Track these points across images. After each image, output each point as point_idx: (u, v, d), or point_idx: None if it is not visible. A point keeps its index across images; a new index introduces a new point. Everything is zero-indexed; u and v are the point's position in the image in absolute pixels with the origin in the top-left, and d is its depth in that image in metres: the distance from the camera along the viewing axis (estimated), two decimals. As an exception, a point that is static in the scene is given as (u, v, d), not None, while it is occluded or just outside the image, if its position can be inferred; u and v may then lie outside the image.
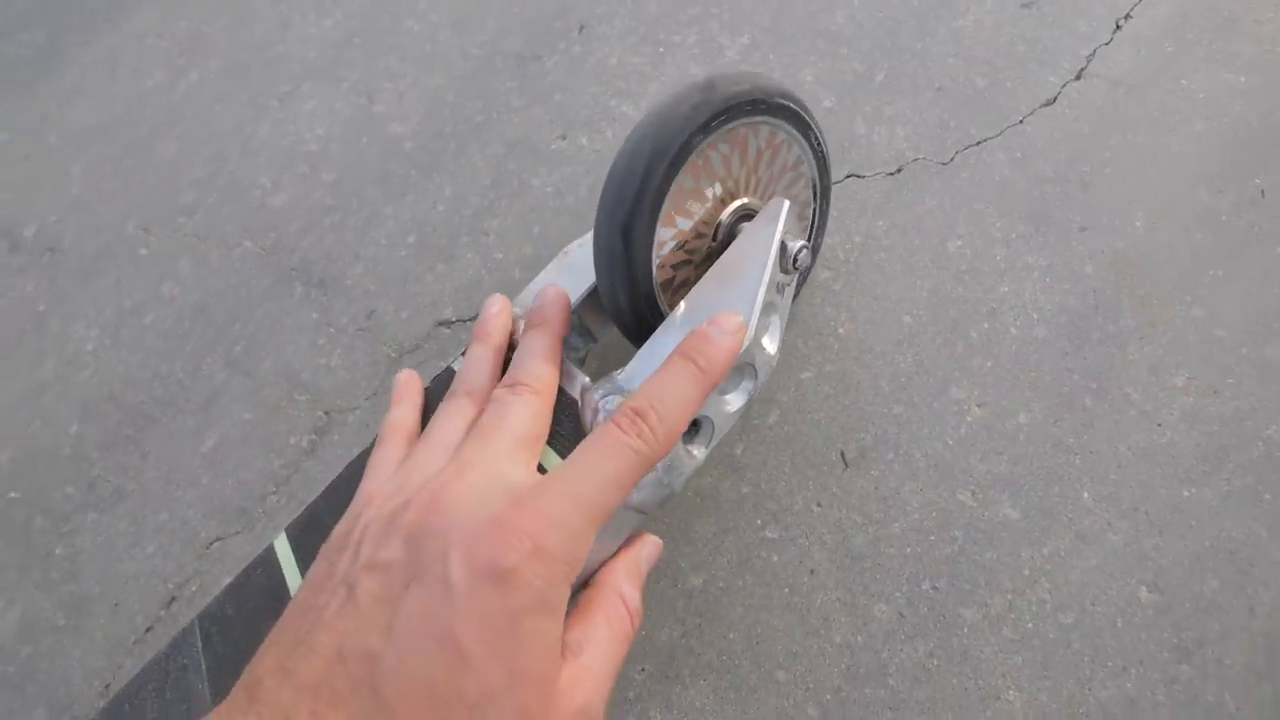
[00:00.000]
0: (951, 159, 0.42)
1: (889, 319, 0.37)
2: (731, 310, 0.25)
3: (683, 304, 0.28)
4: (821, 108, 0.45)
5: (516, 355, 0.27)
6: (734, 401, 0.27)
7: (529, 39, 0.54)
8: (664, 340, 0.27)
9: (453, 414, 0.26)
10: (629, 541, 0.25)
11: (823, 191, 0.34)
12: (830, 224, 0.41)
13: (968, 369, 0.36)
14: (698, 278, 0.29)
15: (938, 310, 0.37)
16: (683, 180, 0.28)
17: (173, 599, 0.37)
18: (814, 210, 0.34)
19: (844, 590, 0.32)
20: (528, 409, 0.25)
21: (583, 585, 0.23)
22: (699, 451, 0.26)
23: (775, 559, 0.33)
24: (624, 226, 0.27)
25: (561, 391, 0.27)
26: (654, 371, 0.24)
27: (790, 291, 0.29)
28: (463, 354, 0.29)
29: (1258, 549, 0.30)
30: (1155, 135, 0.41)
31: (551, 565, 0.20)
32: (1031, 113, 0.43)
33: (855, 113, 0.45)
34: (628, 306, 0.29)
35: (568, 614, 0.21)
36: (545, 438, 0.25)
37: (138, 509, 0.40)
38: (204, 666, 0.26)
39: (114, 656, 0.36)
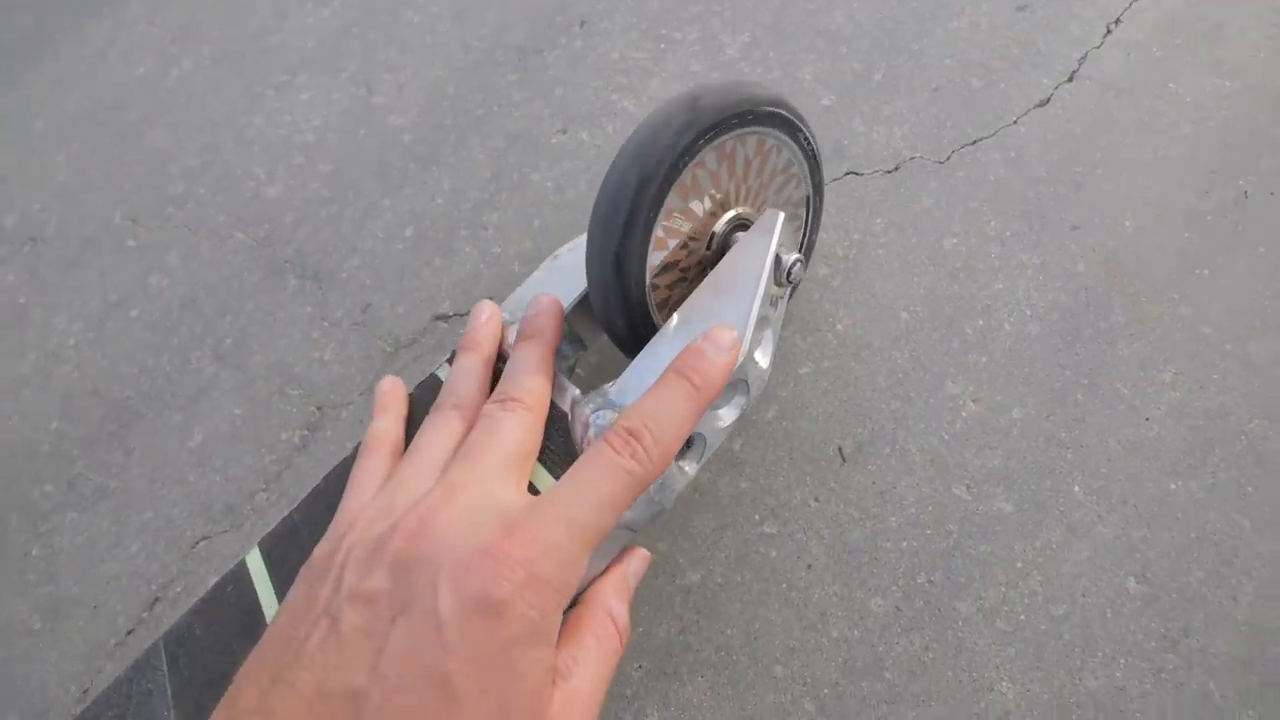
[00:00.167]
0: (948, 158, 0.43)
1: (886, 315, 0.38)
2: (726, 325, 0.25)
3: (676, 316, 0.27)
4: (820, 106, 0.46)
5: (508, 368, 0.26)
6: (726, 417, 0.26)
7: (530, 32, 0.53)
8: (657, 352, 0.26)
9: (440, 429, 0.25)
10: (617, 556, 0.24)
11: (815, 188, 0.34)
12: (828, 221, 0.41)
13: (963, 365, 0.36)
14: (691, 288, 0.28)
15: (934, 307, 0.38)
16: (672, 201, 0.27)
17: (156, 600, 0.36)
18: (807, 209, 0.35)
19: (841, 585, 0.32)
20: (519, 426, 0.24)
21: (570, 603, 0.23)
22: (690, 468, 0.26)
23: (773, 554, 0.33)
24: (615, 255, 0.26)
25: (551, 405, 0.26)
26: (648, 389, 0.23)
27: (784, 305, 0.29)
28: (448, 360, 0.28)
29: (1241, 540, 0.31)
30: (1144, 137, 0.42)
31: (545, 594, 0.19)
32: (1025, 113, 0.43)
33: (854, 111, 0.45)
34: (622, 324, 0.29)
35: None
36: (536, 455, 0.25)
37: (120, 507, 0.39)
38: (169, 691, 0.24)
39: (92, 660, 0.35)
